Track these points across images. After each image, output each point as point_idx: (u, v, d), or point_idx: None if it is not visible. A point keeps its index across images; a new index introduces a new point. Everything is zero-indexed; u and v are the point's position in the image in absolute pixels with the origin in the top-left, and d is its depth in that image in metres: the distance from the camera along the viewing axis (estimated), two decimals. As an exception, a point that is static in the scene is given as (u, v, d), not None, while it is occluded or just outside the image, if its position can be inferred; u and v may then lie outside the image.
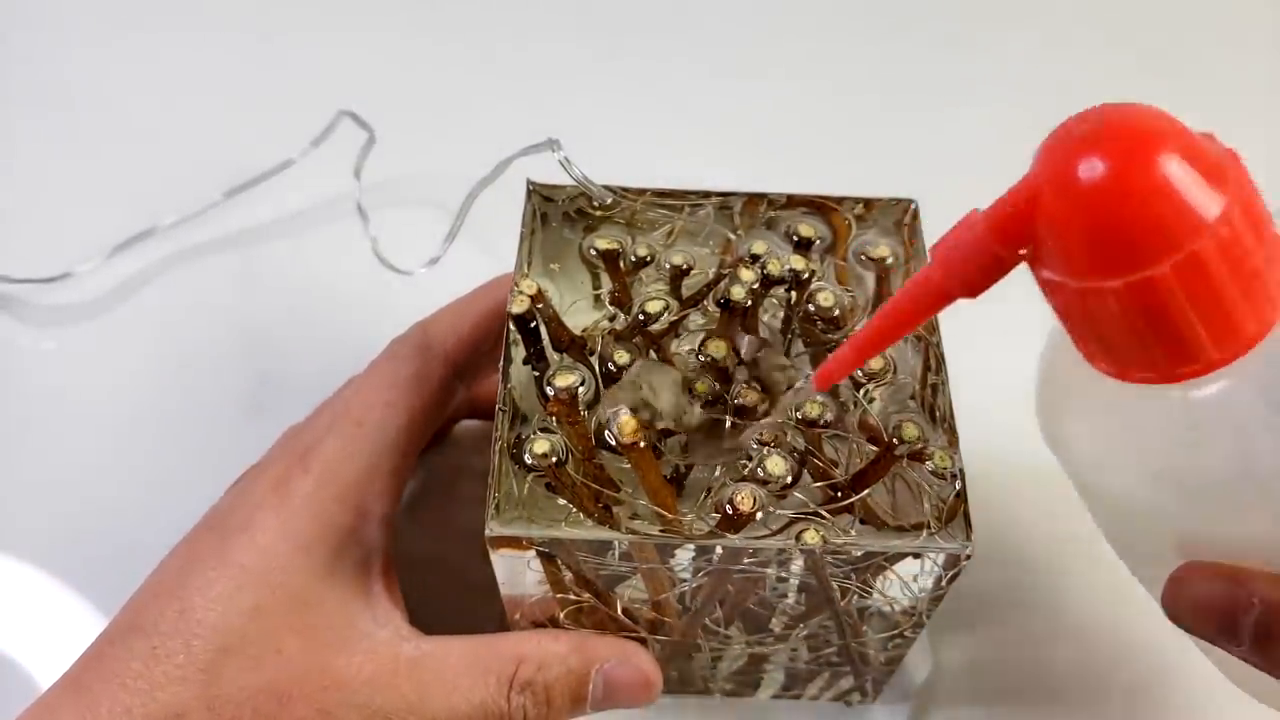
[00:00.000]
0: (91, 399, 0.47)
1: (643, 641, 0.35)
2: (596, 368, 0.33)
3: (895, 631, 0.35)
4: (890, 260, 0.36)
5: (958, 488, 0.31)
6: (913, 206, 0.37)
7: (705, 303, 0.35)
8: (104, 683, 0.31)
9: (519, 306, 0.33)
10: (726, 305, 0.34)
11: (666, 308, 0.34)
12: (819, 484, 0.31)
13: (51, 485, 0.45)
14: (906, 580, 0.32)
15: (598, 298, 0.35)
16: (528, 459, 0.31)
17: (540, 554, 0.31)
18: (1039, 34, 0.62)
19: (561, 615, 0.34)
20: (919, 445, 0.31)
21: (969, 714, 0.40)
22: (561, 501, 0.30)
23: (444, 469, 0.44)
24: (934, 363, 0.33)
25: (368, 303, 0.49)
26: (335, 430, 0.35)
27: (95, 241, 0.50)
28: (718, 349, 0.33)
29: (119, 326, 0.49)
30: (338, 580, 0.34)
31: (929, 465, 0.31)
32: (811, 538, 0.30)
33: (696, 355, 0.33)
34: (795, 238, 0.36)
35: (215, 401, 0.47)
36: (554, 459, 0.30)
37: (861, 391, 0.33)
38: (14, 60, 0.59)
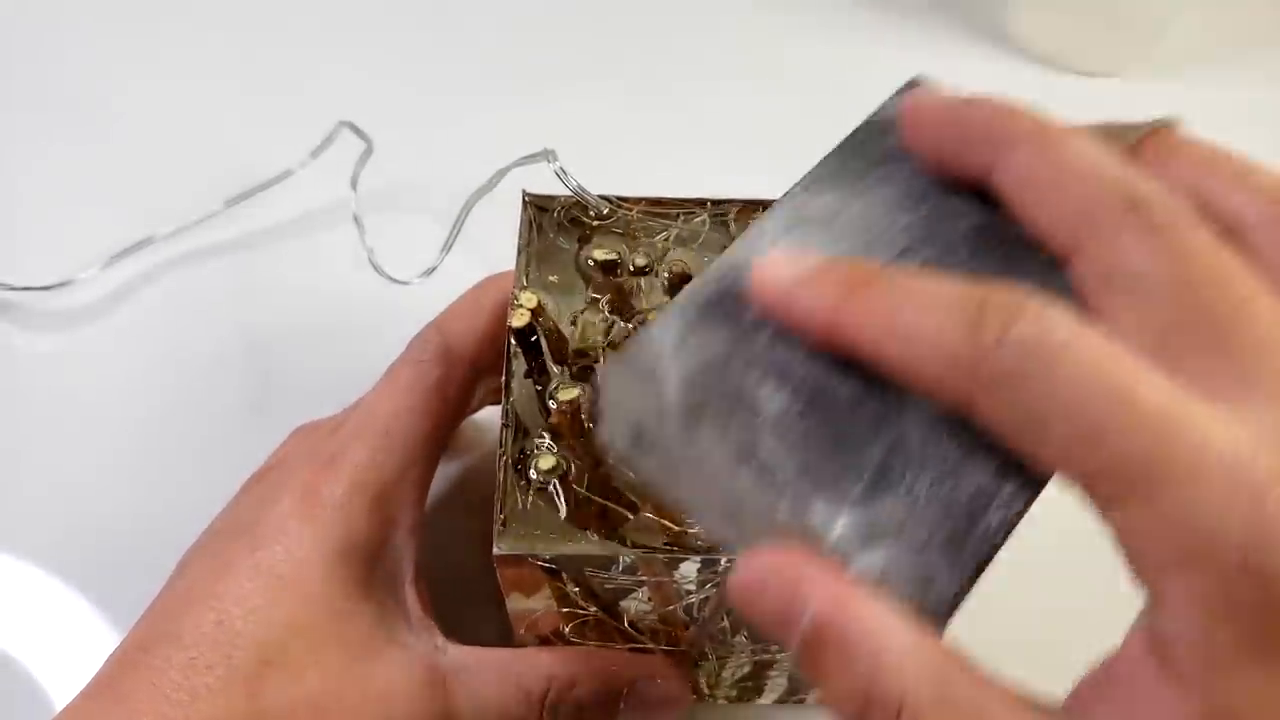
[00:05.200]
0: (91, 405, 0.47)
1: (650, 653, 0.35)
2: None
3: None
4: None
5: None
6: None
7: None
8: (144, 692, 0.30)
9: (520, 320, 0.33)
10: None
11: None
12: None
13: (52, 490, 0.45)
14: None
15: (595, 308, 0.35)
16: (533, 474, 0.31)
17: (544, 569, 0.31)
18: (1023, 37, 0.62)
19: (566, 629, 0.34)
20: None
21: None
22: (565, 516, 0.31)
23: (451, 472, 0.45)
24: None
25: (365, 312, 0.49)
26: (362, 438, 0.35)
27: (95, 249, 0.50)
28: None
29: (118, 334, 0.49)
30: (373, 591, 0.34)
31: None
32: None
33: None
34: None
35: (213, 408, 0.47)
36: (560, 474, 0.31)
37: None
38: (13, 69, 0.59)
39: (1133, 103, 0.59)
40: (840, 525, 0.22)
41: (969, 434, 0.22)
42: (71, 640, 0.41)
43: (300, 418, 0.39)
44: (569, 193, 0.37)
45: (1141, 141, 0.25)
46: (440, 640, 0.34)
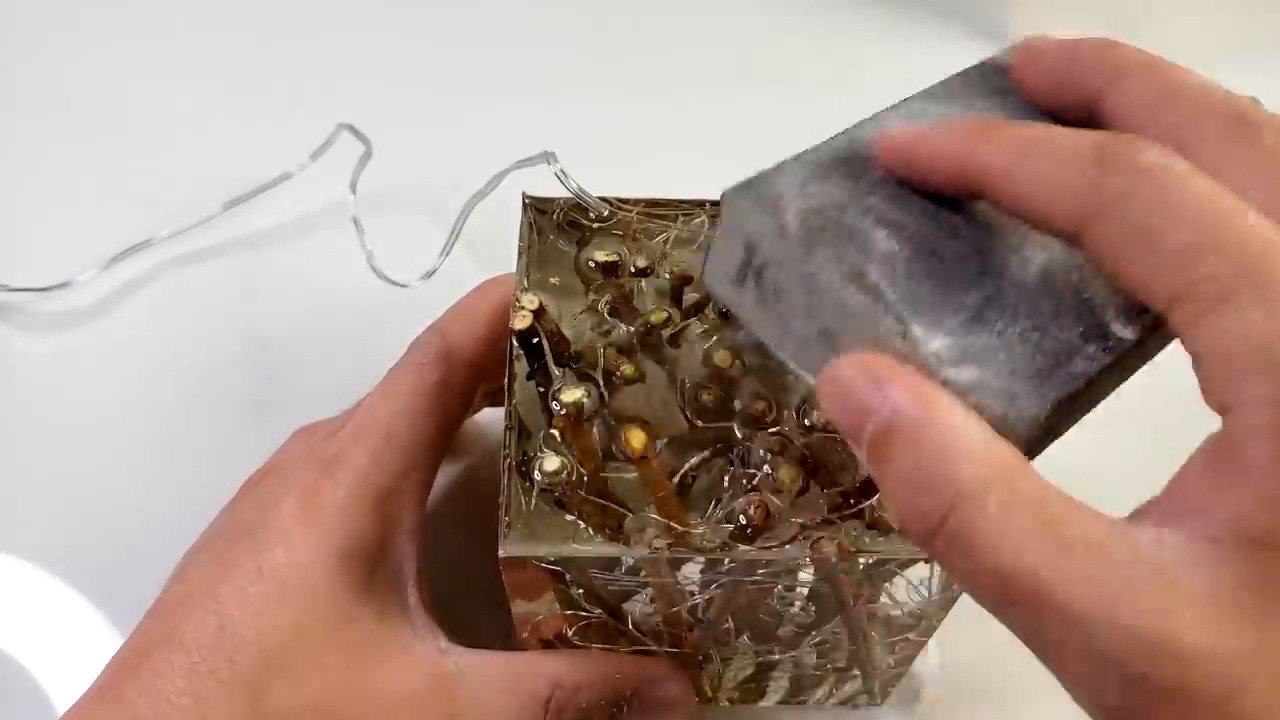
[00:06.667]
0: (90, 407, 0.47)
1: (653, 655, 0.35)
2: (600, 381, 0.33)
3: (905, 635, 0.35)
4: None
5: None
6: None
7: (705, 311, 0.35)
8: (147, 698, 0.30)
9: (522, 323, 0.33)
10: (727, 315, 0.34)
11: (669, 318, 0.34)
12: (828, 491, 0.31)
13: (52, 490, 0.45)
14: (917, 584, 0.32)
15: (596, 309, 0.35)
16: (537, 476, 0.31)
17: (549, 571, 0.31)
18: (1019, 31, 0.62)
19: (570, 631, 0.34)
20: None
21: (978, 714, 0.40)
22: (569, 517, 0.31)
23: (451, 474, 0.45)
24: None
25: (364, 315, 0.49)
26: (363, 441, 0.35)
27: (94, 251, 0.50)
28: (723, 359, 0.33)
29: (117, 335, 0.49)
30: (375, 594, 0.33)
31: None
32: (828, 546, 0.30)
33: (702, 365, 0.34)
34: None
35: (212, 410, 0.47)
36: (565, 476, 0.31)
37: None
38: (13, 69, 0.59)
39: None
40: (936, 343, 0.23)
41: (1064, 297, 0.24)
42: (72, 640, 0.41)
43: (299, 420, 0.39)
44: (568, 195, 0.37)
45: None
46: (443, 643, 0.34)
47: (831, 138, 0.28)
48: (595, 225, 0.37)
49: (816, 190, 0.26)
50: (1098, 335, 0.24)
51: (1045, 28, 0.59)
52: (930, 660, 0.40)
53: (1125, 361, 0.24)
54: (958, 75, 0.30)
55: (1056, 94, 0.27)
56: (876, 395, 0.23)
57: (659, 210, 0.37)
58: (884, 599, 0.33)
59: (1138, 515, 0.22)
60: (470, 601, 0.37)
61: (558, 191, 0.37)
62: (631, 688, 0.34)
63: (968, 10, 0.63)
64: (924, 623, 0.34)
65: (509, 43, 0.61)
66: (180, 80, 0.59)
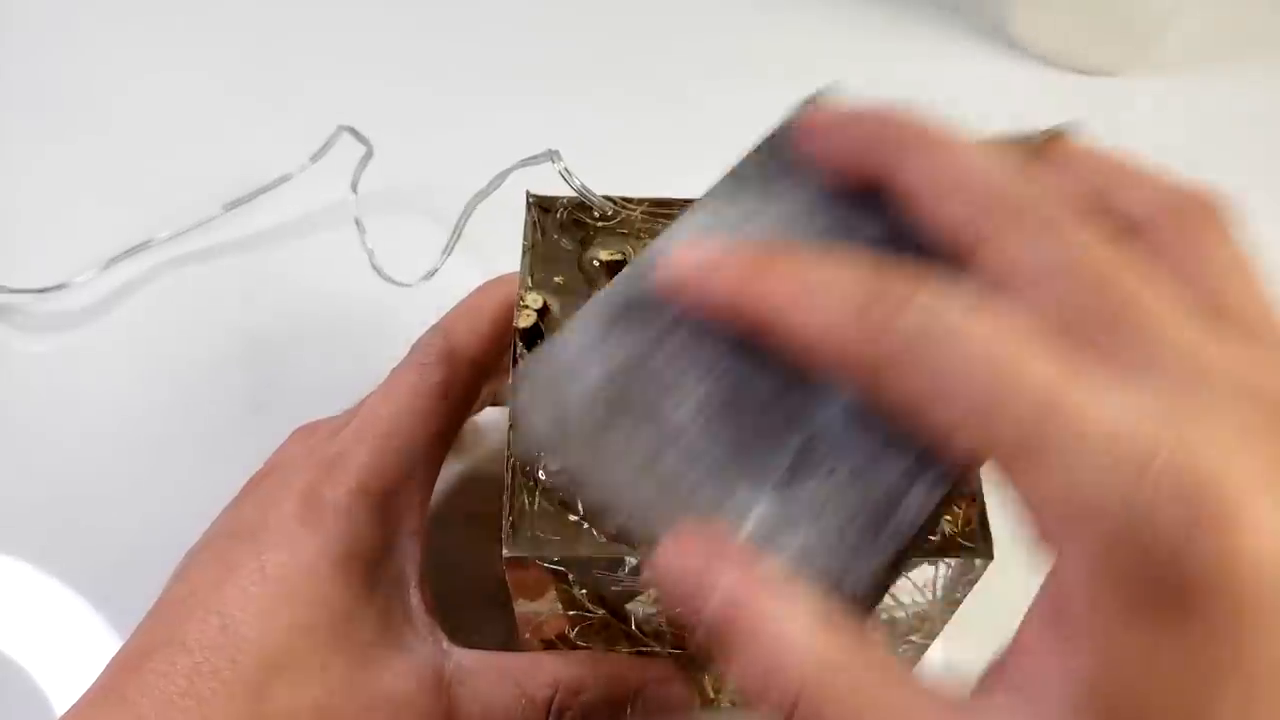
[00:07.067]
0: (88, 408, 0.47)
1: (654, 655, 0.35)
2: None
3: (909, 637, 0.35)
4: None
5: (975, 494, 0.31)
6: None
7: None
8: (149, 698, 0.30)
9: (525, 321, 0.33)
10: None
11: None
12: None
13: (51, 492, 0.45)
14: (921, 587, 0.32)
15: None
16: (541, 476, 0.30)
17: (551, 571, 0.31)
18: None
19: (572, 632, 0.34)
20: None
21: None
22: (573, 517, 0.30)
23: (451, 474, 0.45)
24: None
25: (365, 316, 0.49)
26: (365, 440, 0.35)
27: (92, 252, 0.50)
28: None
29: (116, 337, 0.49)
30: (377, 595, 0.33)
31: None
32: None
33: None
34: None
35: (212, 412, 0.47)
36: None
37: None
38: (13, 70, 0.59)
39: (1133, 103, 0.59)
40: (759, 509, 0.23)
41: (885, 426, 0.23)
42: (70, 641, 0.41)
43: (299, 420, 0.39)
44: (572, 194, 0.37)
45: (1042, 147, 0.26)
46: (445, 644, 0.34)
47: (624, 270, 0.27)
48: (599, 224, 0.37)
49: (615, 342, 0.25)
50: (923, 467, 0.23)
51: (1045, 28, 0.59)
52: (935, 663, 0.39)
53: (963, 479, 0.23)
54: (762, 146, 0.28)
55: (846, 172, 0.26)
56: (707, 581, 0.22)
57: (663, 209, 0.37)
58: (888, 601, 0.32)
59: (987, 683, 0.22)
60: (472, 602, 0.37)
61: (560, 191, 0.37)
62: (633, 689, 0.34)
63: (968, 10, 0.63)
64: (928, 625, 0.34)
65: (509, 42, 0.61)
66: (180, 81, 0.59)
